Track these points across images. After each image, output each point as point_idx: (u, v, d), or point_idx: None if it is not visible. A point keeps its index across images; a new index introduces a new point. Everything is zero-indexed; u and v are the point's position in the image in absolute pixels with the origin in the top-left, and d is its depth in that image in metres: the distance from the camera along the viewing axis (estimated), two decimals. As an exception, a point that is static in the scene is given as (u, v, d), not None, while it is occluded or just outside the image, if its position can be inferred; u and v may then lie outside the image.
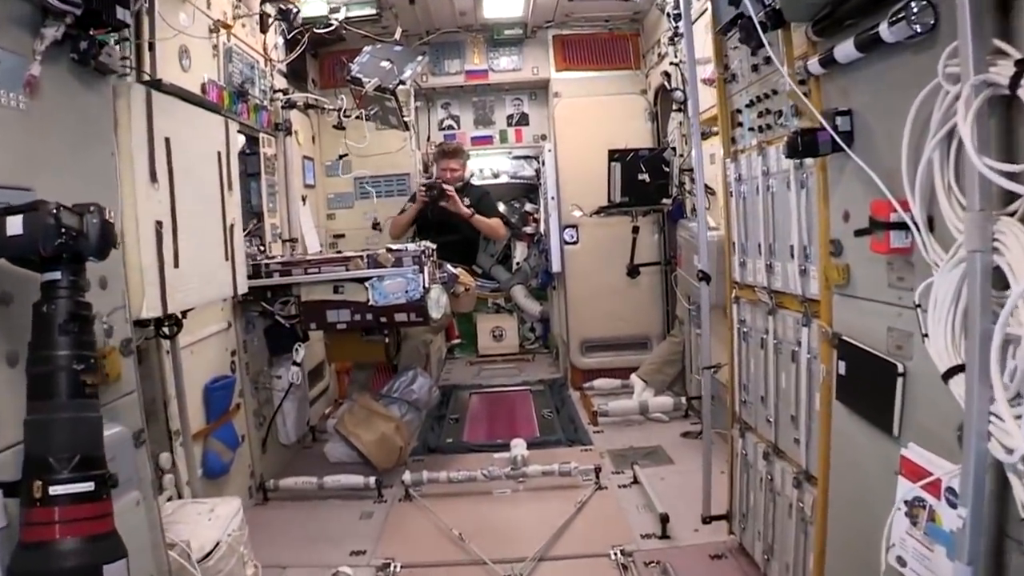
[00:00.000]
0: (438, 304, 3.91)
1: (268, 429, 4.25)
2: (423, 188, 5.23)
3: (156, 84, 2.31)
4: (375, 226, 6.01)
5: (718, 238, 3.39)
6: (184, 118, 2.50)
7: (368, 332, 4.14)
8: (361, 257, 3.86)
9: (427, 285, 3.82)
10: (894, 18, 1.52)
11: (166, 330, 2.88)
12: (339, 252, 5.26)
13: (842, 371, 1.99)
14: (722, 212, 3.12)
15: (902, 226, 1.59)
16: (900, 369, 1.69)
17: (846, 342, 1.97)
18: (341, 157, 5.70)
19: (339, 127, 5.01)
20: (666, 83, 4.95)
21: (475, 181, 6.48)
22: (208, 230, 2.67)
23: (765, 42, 1.98)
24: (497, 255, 7.72)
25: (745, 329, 2.90)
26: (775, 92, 2.42)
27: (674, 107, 4.98)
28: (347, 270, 3.87)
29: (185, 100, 2.53)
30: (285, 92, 4.92)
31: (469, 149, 6.20)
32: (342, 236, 6.06)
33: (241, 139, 4.07)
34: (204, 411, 3.50)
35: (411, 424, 4.37)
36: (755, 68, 2.56)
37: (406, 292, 3.80)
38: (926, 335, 1.45)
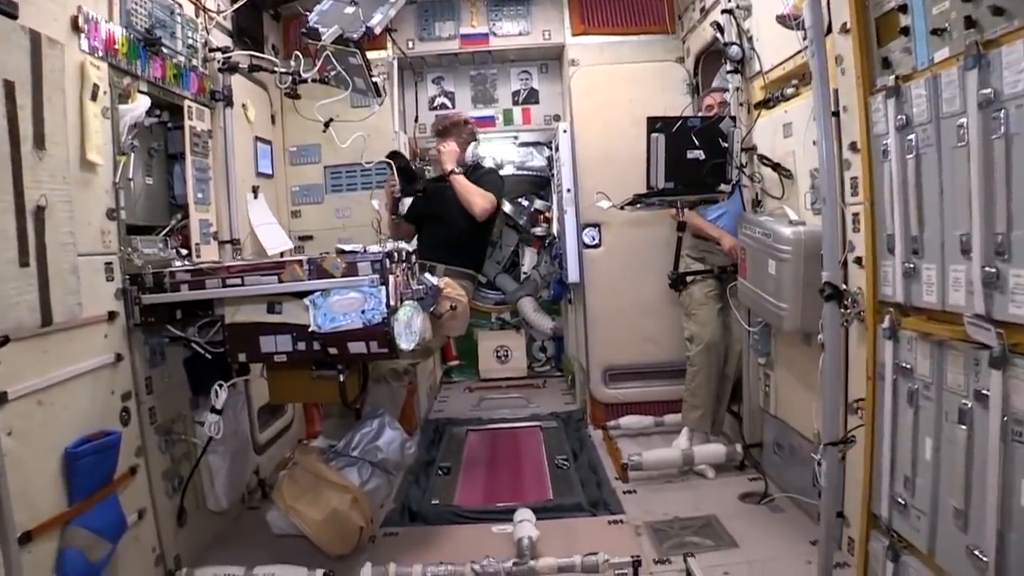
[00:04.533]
0: (409, 329, 2.75)
1: (183, 494, 3.14)
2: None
3: None
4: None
5: (800, 235, 2.78)
6: None
7: (320, 365, 3.00)
8: (299, 262, 2.71)
9: (393, 303, 2.67)
10: None
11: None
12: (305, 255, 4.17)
13: None
14: (812, 195, 1.99)
15: None
16: None
17: None
18: (327, 124, 4.34)
19: (292, 95, 3.86)
20: (719, 36, 3.80)
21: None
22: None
23: None
24: (504, 262, 6.75)
25: (912, 385, 1.69)
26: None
27: (728, 68, 3.83)
28: (280, 281, 2.72)
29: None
30: (225, 51, 3.80)
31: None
32: (310, 238, 4.90)
33: (144, 101, 3.00)
34: (65, 488, 2.40)
35: (376, 494, 3.17)
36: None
37: (362, 313, 2.64)
38: None
